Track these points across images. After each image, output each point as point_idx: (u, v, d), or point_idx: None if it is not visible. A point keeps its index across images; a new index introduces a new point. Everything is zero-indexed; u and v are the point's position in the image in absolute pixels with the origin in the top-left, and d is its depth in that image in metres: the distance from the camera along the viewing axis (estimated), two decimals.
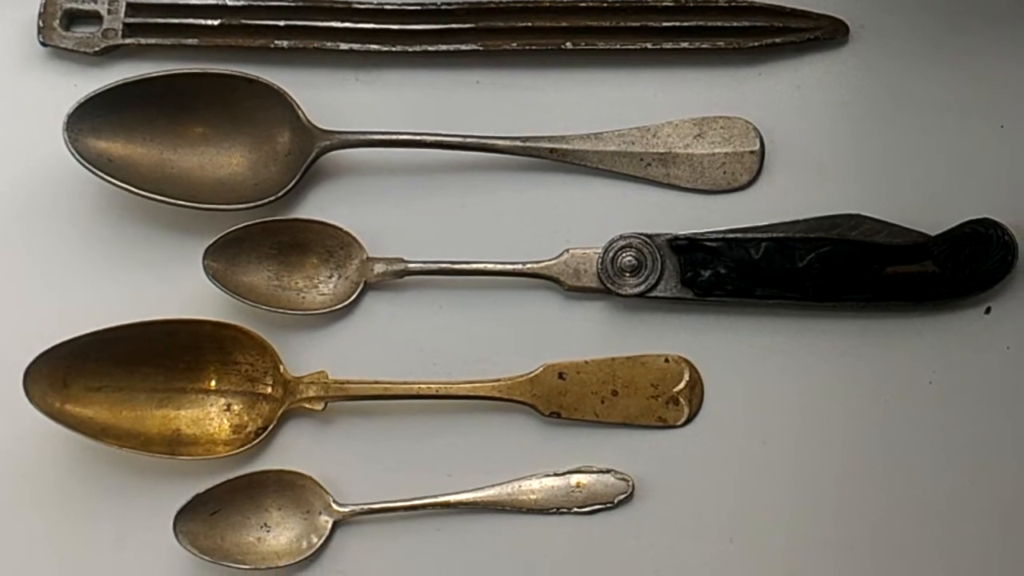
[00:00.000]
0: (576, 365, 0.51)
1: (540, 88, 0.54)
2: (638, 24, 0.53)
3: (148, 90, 0.52)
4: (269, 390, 0.52)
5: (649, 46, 0.53)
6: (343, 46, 0.54)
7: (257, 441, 0.51)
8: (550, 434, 0.52)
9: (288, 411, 0.51)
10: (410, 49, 0.54)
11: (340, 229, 0.52)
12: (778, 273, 0.51)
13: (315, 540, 0.51)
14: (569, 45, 0.53)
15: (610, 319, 0.52)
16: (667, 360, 0.51)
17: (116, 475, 0.51)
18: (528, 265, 0.52)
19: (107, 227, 0.53)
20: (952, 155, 0.53)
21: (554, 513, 0.51)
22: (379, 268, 0.52)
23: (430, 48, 0.54)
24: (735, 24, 0.53)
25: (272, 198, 0.52)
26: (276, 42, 0.54)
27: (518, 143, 0.53)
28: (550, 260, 0.52)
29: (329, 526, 0.51)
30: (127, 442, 0.50)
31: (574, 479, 0.51)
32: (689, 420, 0.51)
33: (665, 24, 0.53)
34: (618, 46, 0.53)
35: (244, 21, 0.54)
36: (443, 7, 0.54)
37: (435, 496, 0.51)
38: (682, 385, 0.51)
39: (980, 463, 0.51)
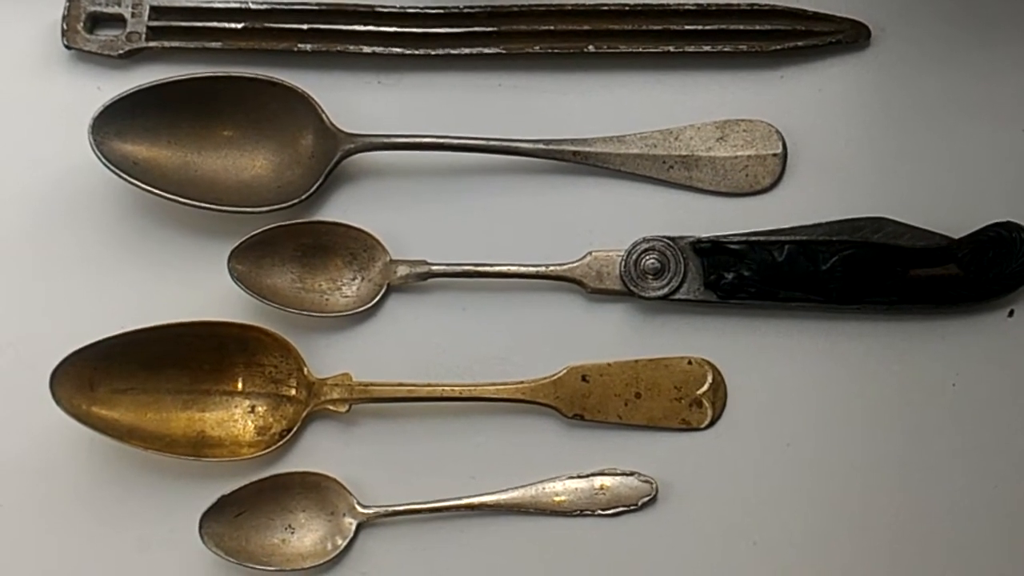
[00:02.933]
0: (599, 367, 0.51)
1: (562, 91, 0.54)
2: (660, 27, 0.53)
3: (172, 93, 0.52)
4: (293, 392, 0.52)
5: (671, 49, 0.53)
6: (366, 49, 0.54)
7: (281, 443, 0.51)
8: (573, 436, 0.52)
9: (312, 413, 0.51)
10: (432, 52, 0.54)
11: (363, 232, 0.52)
12: (801, 276, 0.51)
13: (339, 542, 0.51)
14: (591, 48, 0.53)
15: (633, 321, 0.52)
16: (690, 362, 0.52)
17: (141, 477, 0.51)
18: (551, 267, 0.52)
19: (132, 230, 0.53)
20: (974, 158, 0.53)
21: (578, 515, 0.51)
22: (402, 270, 0.52)
23: (452, 51, 0.54)
24: (757, 28, 0.53)
25: (296, 201, 0.52)
26: (299, 45, 0.54)
27: (541, 146, 0.53)
28: (573, 262, 0.52)
29: (353, 528, 0.51)
30: (152, 444, 0.50)
31: (598, 481, 0.51)
32: (712, 422, 0.51)
33: (687, 27, 0.53)
34: (640, 49, 0.53)
35: (267, 24, 0.54)
36: (465, 11, 0.54)
37: (459, 498, 0.51)
38: (705, 387, 0.51)
39: (1004, 467, 0.51)
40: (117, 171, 0.51)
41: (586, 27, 0.54)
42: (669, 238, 0.52)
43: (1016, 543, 0.51)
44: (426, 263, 0.52)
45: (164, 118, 0.52)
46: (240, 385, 0.52)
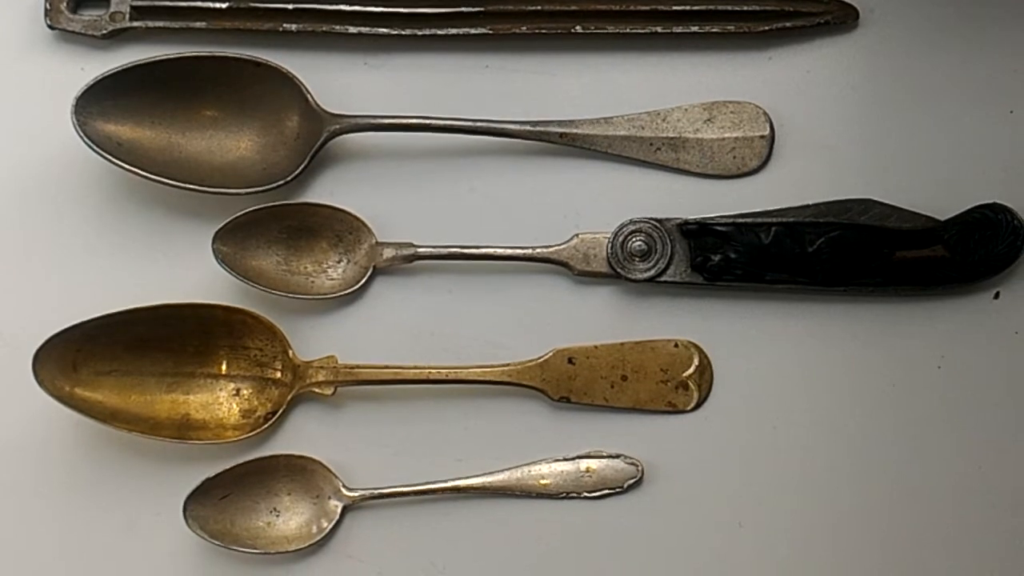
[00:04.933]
0: (586, 350, 0.51)
1: (550, 72, 0.54)
2: (648, 8, 0.53)
3: (156, 73, 0.52)
4: (278, 375, 0.51)
5: (659, 30, 0.53)
6: (352, 29, 0.53)
7: (266, 426, 0.51)
8: (560, 419, 0.52)
9: (297, 396, 0.51)
10: (419, 33, 0.53)
11: (349, 213, 0.52)
12: (788, 258, 0.51)
13: (325, 525, 0.51)
14: (579, 29, 0.53)
15: (620, 304, 0.52)
16: (677, 345, 0.51)
17: (125, 460, 0.51)
18: (538, 250, 0.52)
19: (116, 211, 0.53)
20: (962, 140, 0.53)
21: (564, 498, 0.51)
22: (388, 253, 0.52)
23: (439, 32, 0.53)
24: (745, 8, 0.53)
25: (281, 182, 0.52)
26: (284, 25, 0.53)
27: (528, 127, 0.52)
28: (560, 245, 0.52)
29: (339, 511, 0.51)
30: (136, 426, 0.50)
31: (584, 464, 0.51)
32: (699, 405, 0.51)
33: (675, 8, 0.53)
34: (628, 30, 0.53)
35: (252, 4, 0.53)
36: None
37: (445, 481, 0.51)
38: (691, 370, 0.51)
39: (989, 448, 0.51)
40: (101, 152, 0.51)
41: (573, 7, 0.53)
42: (656, 220, 0.51)
43: (1002, 523, 0.51)
44: (412, 245, 0.52)
45: (148, 99, 0.52)
46: (225, 368, 0.51)
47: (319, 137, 0.52)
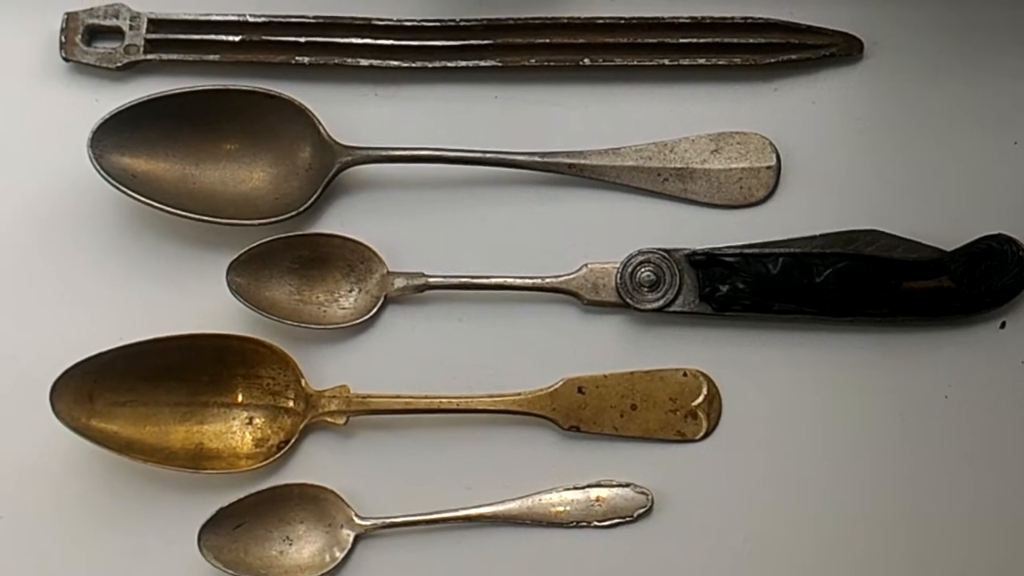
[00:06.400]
0: (595, 379, 0.52)
1: (558, 104, 0.54)
2: (655, 41, 0.54)
3: (171, 106, 0.52)
4: (291, 404, 0.52)
5: (666, 62, 0.54)
6: (363, 62, 0.54)
7: (279, 455, 0.51)
8: (570, 448, 0.52)
9: (310, 425, 0.52)
10: (429, 65, 0.54)
11: (361, 244, 0.53)
12: (795, 288, 0.51)
13: (337, 554, 0.51)
14: (587, 61, 0.54)
15: (629, 333, 0.53)
16: (685, 374, 0.52)
17: (140, 489, 0.52)
18: (547, 280, 0.52)
19: (131, 242, 0.53)
20: (967, 171, 0.53)
21: (574, 527, 0.51)
22: (399, 282, 0.53)
23: (449, 64, 0.54)
24: (751, 41, 0.54)
25: (293, 213, 0.52)
26: (297, 58, 0.54)
27: (537, 158, 0.53)
28: (569, 275, 0.52)
29: (351, 540, 0.51)
30: (151, 456, 0.50)
31: (594, 493, 0.51)
32: (708, 434, 0.52)
33: (682, 41, 0.54)
34: (635, 62, 0.54)
35: (265, 37, 0.54)
36: (462, 23, 0.54)
37: (456, 510, 0.51)
38: (700, 399, 0.52)
39: (996, 477, 0.51)
40: (116, 184, 0.51)
41: (581, 40, 0.54)
42: (664, 250, 0.52)
43: (1010, 553, 0.51)
44: (423, 275, 0.52)
45: (163, 131, 0.52)
46: (238, 397, 0.52)
47: (331, 168, 0.53)
